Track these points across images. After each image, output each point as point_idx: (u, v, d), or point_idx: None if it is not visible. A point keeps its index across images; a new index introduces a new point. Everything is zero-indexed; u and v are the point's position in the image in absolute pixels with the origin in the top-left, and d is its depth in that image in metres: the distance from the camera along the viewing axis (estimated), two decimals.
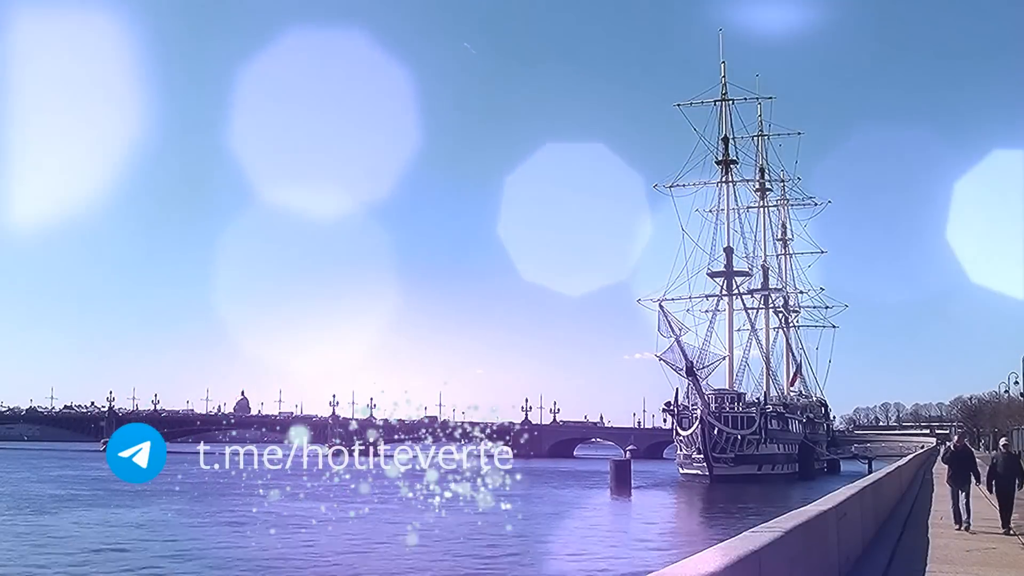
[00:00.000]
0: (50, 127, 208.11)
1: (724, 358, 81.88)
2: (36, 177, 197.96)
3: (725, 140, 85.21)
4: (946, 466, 16.68)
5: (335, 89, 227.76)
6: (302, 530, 33.73)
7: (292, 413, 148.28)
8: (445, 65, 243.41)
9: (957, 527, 15.10)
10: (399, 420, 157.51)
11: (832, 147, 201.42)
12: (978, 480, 15.86)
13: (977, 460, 16.89)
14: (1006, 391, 74.49)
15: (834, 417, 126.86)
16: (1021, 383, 61.80)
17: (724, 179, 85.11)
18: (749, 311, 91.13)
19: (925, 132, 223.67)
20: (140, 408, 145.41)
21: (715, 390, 78.50)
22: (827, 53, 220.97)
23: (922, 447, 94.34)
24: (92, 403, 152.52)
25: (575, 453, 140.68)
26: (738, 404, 78.73)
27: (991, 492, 15.62)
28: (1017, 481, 15.34)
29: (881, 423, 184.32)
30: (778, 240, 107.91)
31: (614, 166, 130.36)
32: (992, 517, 15.73)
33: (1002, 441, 17.09)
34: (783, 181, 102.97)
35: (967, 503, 15.30)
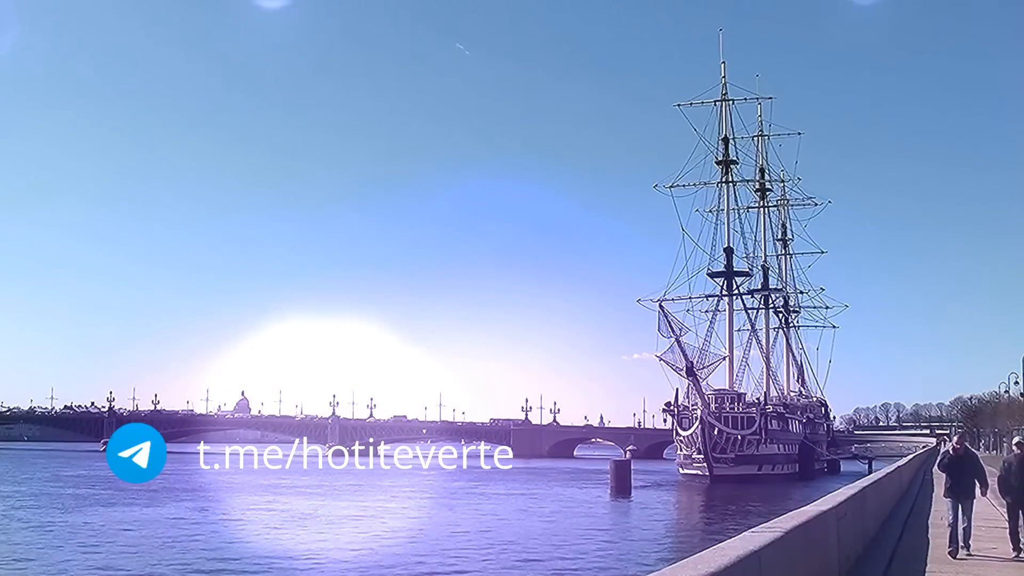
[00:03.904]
0: None
1: (724, 358, 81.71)
2: None
3: (725, 140, 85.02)
4: (943, 474, 13.42)
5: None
6: (307, 528, 33.76)
7: (293, 415, 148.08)
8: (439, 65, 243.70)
9: (951, 548, 12.25)
10: (399, 420, 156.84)
11: (832, 147, 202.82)
12: (984, 489, 12.90)
13: (983, 465, 13.53)
14: (1006, 391, 74.48)
15: (834, 417, 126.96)
16: (1021, 383, 61.80)
17: (724, 179, 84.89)
18: (749, 311, 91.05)
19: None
20: (140, 408, 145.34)
21: (715, 390, 78.35)
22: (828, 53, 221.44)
23: (924, 447, 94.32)
24: (92, 403, 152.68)
25: (575, 453, 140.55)
26: (738, 404, 78.60)
27: (1004, 498, 12.76)
28: None
29: (881, 423, 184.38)
30: (778, 240, 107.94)
31: None
32: (992, 516, 15.40)
33: (1015, 440, 13.18)
34: (783, 181, 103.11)
35: (968, 524, 12.44)
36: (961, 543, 12.30)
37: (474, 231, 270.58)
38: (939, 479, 16.93)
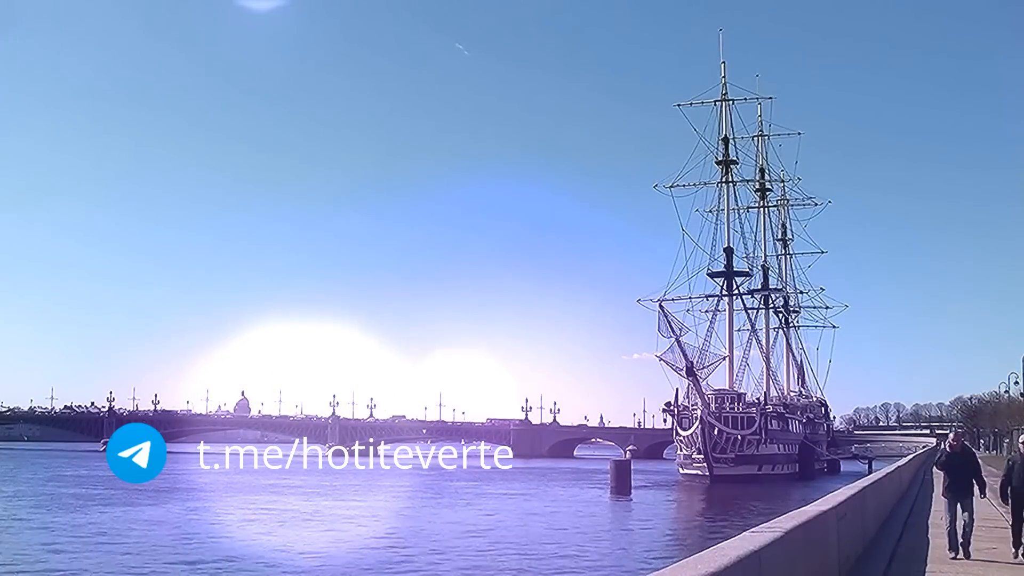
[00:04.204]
0: None
1: (724, 358, 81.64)
2: None
3: (725, 140, 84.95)
4: (941, 473, 12.95)
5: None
6: (308, 528, 33.81)
7: (293, 415, 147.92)
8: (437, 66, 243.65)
9: (953, 555, 11.92)
10: (399, 420, 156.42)
11: (832, 147, 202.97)
12: (983, 491, 12.55)
13: (981, 464, 13.14)
14: (1006, 391, 74.50)
15: (834, 417, 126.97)
16: (1021, 383, 61.78)
17: (724, 179, 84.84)
18: (749, 311, 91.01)
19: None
20: (140, 408, 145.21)
21: (715, 390, 78.29)
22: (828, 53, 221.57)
23: (924, 447, 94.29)
24: (92, 403, 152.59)
25: (575, 453, 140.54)
26: (738, 404, 78.55)
27: (1005, 504, 12.33)
28: None
29: (881, 423, 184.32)
30: (778, 240, 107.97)
31: None
32: (991, 516, 15.31)
33: (1021, 439, 12.52)
34: (783, 181, 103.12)
35: (968, 523, 12.02)
36: (961, 544, 11.94)
37: (474, 231, 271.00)
38: (938, 478, 16.80)
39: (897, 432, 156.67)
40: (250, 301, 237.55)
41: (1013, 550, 11.80)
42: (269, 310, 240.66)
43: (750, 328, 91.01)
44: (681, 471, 78.79)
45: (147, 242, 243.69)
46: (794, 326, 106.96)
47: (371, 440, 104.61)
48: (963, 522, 11.96)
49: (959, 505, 12.00)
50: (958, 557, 11.87)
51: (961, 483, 12.17)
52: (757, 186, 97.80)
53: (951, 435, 13.51)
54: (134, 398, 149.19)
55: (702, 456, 72.89)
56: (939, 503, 15.20)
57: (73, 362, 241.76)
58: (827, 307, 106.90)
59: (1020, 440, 12.47)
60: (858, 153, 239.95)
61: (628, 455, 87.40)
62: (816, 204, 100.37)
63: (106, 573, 23.66)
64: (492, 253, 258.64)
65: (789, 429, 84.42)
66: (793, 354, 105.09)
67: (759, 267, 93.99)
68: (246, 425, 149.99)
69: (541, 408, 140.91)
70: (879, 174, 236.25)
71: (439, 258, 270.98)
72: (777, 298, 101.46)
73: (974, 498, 12.25)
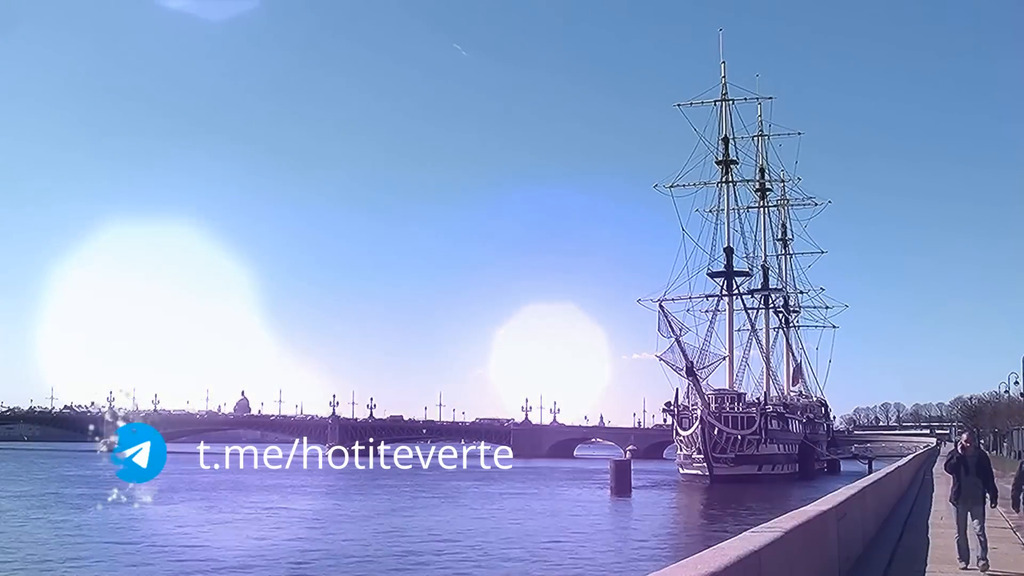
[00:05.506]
0: None
1: (724, 358, 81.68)
2: None
3: (725, 140, 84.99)
4: (949, 475, 11.86)
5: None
6: (309, 527, 33.85)
7: (293, 415, 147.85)
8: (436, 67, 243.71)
9: (963, 565, 10.95)
10: (398, 420, 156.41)
11: (832, 147, 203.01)
12: (994, 499, 11.47)
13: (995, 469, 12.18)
14: (1006, 391, 74.31)
15: (834, 417, 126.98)
16: (1021, 383, 61.60)
17: (724, 179, 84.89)
18: (749, 311, 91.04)
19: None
20: (140, 408, 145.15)
21: (715, 390, 78.26)
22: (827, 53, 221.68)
23: (925, 446, 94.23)
24: (92, 403, 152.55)
25: (575, 453, 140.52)
26: (738, 404, 78.50)
27: (1017, 511, 11.61)
28: None
29: (881, 423, 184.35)
30: (778, 240, 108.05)
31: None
32: (992, 517, 15.21)
33: None
34: (783, 181, 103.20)
35: (981, 533, 10.94)
36: (978, 555, 10.88)
37: (473, 231, 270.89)
38: (941, 481, 16.44)
39: (897, 432, 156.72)
40: (248, 300, 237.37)
41: None
42: (267, 310, 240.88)
43: (750, 328, 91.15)
44: (681, 471, 78.78)
45: (147, 240, 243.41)
46: (794, 326, 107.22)
47: (371, 440, 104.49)
48: (975, 532, 10.97)
49: (969, 514, 11.07)
50: (968, 567, 10.97)
51: (972, 489, 11.17)
52: (757, 186, 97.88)
53: (964, 435, 12.45)
54: (134, 398, 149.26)
55: (702, 456, 72.88)
56: (939, 503, 14.96)
57: (73, 362, 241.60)
58: (827, 307, 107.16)
59: None
60: (858, 153, 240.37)
61: (628, 455, 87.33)
62: (816, 204, 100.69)
63: (107, 572, 23.66)
64: (492, 252, 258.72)
65: (789, 429, 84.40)
66: (793, 354, 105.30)
67: (759, 267, 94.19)
68: (246, 425, 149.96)
69: (541, 408, 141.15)
70: (879, 174, 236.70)
71: (437, 258, 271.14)
72: (777, 298, 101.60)
73: (985, 506, 11.28)
